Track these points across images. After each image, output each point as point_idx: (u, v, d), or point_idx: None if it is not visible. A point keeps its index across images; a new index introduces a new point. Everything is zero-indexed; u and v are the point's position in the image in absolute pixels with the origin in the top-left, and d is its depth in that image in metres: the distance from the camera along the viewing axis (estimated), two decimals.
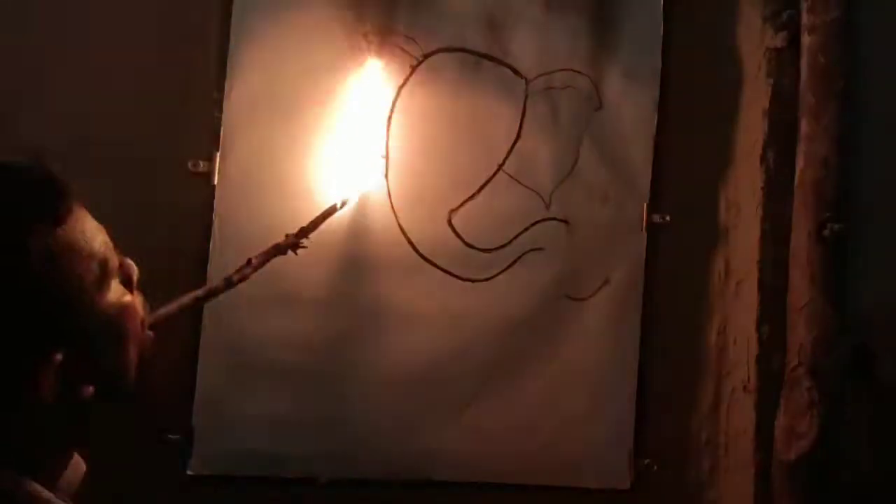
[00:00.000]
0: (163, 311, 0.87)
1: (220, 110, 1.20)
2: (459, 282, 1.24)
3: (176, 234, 1.19)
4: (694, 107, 1.36)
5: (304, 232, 1.11)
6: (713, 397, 1.35)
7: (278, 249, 1.07)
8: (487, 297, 1.25)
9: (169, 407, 1.17)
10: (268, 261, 1.05)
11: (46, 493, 0.61)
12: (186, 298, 0.93)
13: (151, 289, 1.18)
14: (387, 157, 1.23)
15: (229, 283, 1.00)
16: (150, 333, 0.74)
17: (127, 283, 0.70)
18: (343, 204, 1.17)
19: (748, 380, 1.33)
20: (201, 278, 1.16)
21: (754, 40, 1.38)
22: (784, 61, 1.36)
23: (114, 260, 0.68)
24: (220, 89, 1.20)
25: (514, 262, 1.26)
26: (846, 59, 1.32)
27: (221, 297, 1.16)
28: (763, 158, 1.35)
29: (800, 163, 1.32)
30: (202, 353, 1.17)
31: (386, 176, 1.22)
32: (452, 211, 1.25)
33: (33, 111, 1.16)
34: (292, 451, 1.20)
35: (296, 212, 1.20)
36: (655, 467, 1.31)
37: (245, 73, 1.20)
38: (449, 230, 1.24)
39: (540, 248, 1.27)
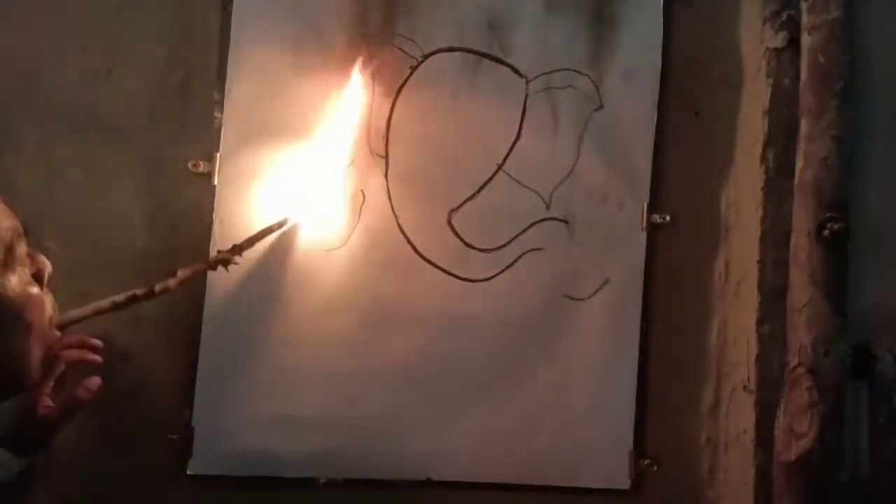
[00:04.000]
0: (75, 312, 0.84)
1: (221, 110, 1.20)
2: (459, 282, 1.24)
3: (176, 234, 1.19)
4: (694, 107, 1.36)
5: (238, 249, 1.09)
6: (713, 397, 1.35)
7: (207, 265, 1.06)
8: (487, 297, 1.25)
9: (169, 407, 1.17)
10: (194, 276, 1.04)
11: None
12: (104, 302, 0.90)
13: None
14: (386, 157, 1.23)
15: (150, 293, 0.98)
16: (58, 333, 0.72)
17: (38, 278, 0.68)
18: (284, 223, 1.16)
19: (748, 380, 1.33)
20: (201, 278, 1.17)
21: (754, 40, 1.37)
22: (784, 61, 1.36)
23: (21, 248, 0.66)
24: (220, 89, 1.20)
25: (514, 262, 1.26)
26: (846, 59, 1.31)
27: (223, 295, 1.18)
28: (763, 158, 1.35)
29: (800, 163, 1.32)
30: (202, 353, 1.17)
31: (386, 176, 1.23)
32: (452, 211, 1.25)
33: (33, 112, 1.16)
34: (292, 451, 1.20)
35: (295, 213, 1.20)
36: (655, 467, 1.31)
37: (245, 73, 1.20)
38: (449, 230, 1.25)
39: (540, 248, 1.28)
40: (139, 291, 0.97)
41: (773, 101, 1.35)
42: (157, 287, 0.99)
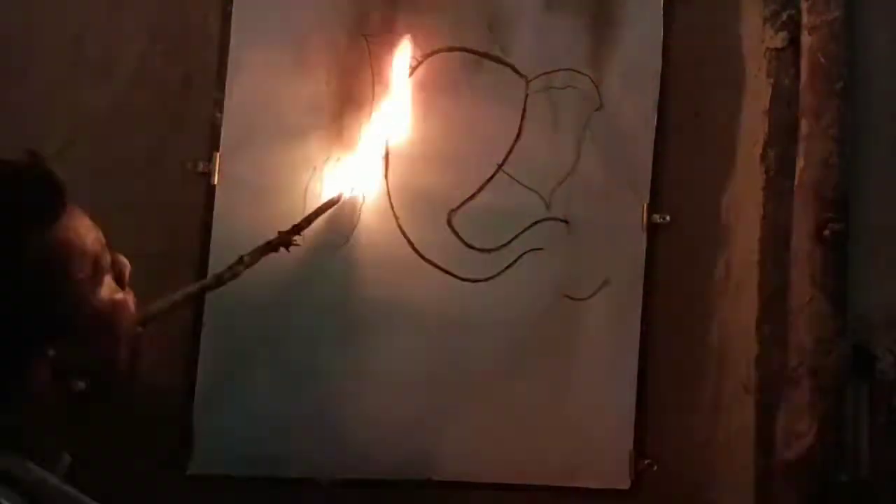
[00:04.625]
0: (154, 307, 0.87)
1: (221, 110, 1.20)
2: (459, 282, 1.24)
3: (176, 234, 1.19)
4: (694, 107, 1.36)
5: (298, 228, 1.09)
6: (713, 397, 1.35)
7: (270, 247, 1.06)
8: (487, 297, 1.25)
9: (169, 407, 1.17)
10: (259, 258, 1.05)
11: (53, 479, 0.62)
12: (177, 295, 0.92)
13: (152, 289, 1.19)
14: (387, 157, 1.23)
15: (220, 281, 1.00)
16: (140, 329, 0.74)
17: (119, 279, 0.70)
18: (339, 199, 1.17)
19: (748, 380, 1.33)
20: (201, 278, 1.16)
21: (754, 40, 1.37)
22: (784, 61, 1.36)
23: (106, 257, 0.69)
24: (220, 89, 1.20)
25: (514, 262, 1.26)
26: (846, 59, 1.31)
27: (223, 295, 1.18)
28: (763, 158, 1.35)
29: (800, 163, 1.32)
30: (202, 353, 1.17)
31: (386, 176, 1.22)
32: (452, 211, 1.25)
33: (34, 112, 1.17)
34: (292, 451, 1.20)
35: (295, 212, 1.20)
36: (655, 467, 1.31)
37: (245, 73, 1.20)
38: (449, 230, 1.24)
39: (540, 248, 1.28)
40: (210, 281, 1.01)
41: (773, 101, 1.35)
42: (226, 275, 1.01)
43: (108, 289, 0.68)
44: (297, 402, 1.20)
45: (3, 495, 0.58)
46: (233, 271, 1.02)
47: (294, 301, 1.20)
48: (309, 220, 1.11)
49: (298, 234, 1.09)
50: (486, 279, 1.25)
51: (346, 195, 1.19)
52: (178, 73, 1.21)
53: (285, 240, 1.07)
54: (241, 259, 1.03)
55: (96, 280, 0.66)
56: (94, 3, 1.19)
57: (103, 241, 0.69)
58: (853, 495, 1.29)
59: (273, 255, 1.18)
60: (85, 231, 0.66)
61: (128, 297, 0.71)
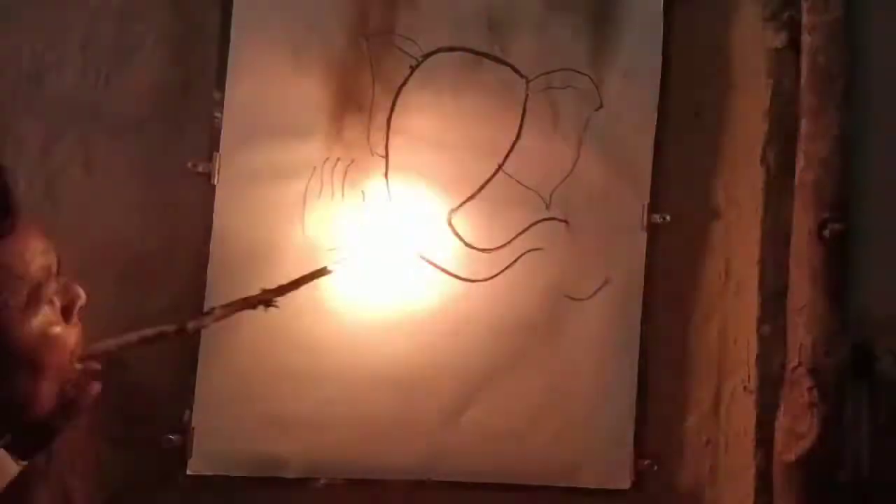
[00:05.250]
0: (100, 345, 0.82)
1: (221, 110, 1.20)
2: (459, 282, 1.24)
3: (176, 234, 1.19)
4: (694, 107, 1.37)
5: (282, 290, 1.05)
6: (713, 397, 1.35)
7: (247, 303, 1.02)
8: (487, 297, 1.25)
9: (169, 407, 1.17)
10: (232, 314, 1.00)
11: None
12: (132, 336, 0.87)
13: (151, 289, 1.19)
14: (386, 157, 1.23)
15: (181, 330, 0.94)
16: (79, 366, 0.71)
17: (67, 310, 0.67)
18: (327, 271, 1.12)
19: (748, 380, 1.33)
20: (201, 279, 1.17)
21: (754, 40, 1.38)
22: (784, 61, 1.36)
23: (51, 286, 0.65)
24: (221, 89, 1.20)
25: (514, 262, 1.26)
26: (846, 59, 1.32)
27: (222, 295, 1.17)
28: (763, 158, 1.35)
29: (800, 163, 1.32)
30: (202, 353, 1.17)
31: (386, 176, 1.23)
32: (452, 211, 1.25)
33: (34, 113, 1.17)
34: (292, 451, 1.20)
35: (295, 213, 1.20)
36: (655, 467, 1.31)
37: (245, 73, 1.20)
38: (449, 230, 1.25)
39: (540, 248, 1.28)
40: (170, 329, 0.93)
41: (773, 101, 1.35)
42: (190, 325, 0.95)
43: (43, 320, 0.64)
44: (296, 402, 1.20)
45: None
46: (199, 322, 0.97)
47: (293, 301, 1.19)
48: (296, 283, 1.07)
49: (283, 295, 1.04)
50: (486, 279, 1.25)
51: (334, 268, 1.13)
52: (178, 73, 1.21)
53: (266, 299, 1.02)
54: (211, 310, 0.99)
55: (30, 310, 0.63)
56: (97, 7, 1.19)
57: (53, 268, 0.65)
58: (853, 495, 1.29)
59: (272, 257, 1.19)
60: (31, 256, 0.63)
61: (68, 332, 0.67)
